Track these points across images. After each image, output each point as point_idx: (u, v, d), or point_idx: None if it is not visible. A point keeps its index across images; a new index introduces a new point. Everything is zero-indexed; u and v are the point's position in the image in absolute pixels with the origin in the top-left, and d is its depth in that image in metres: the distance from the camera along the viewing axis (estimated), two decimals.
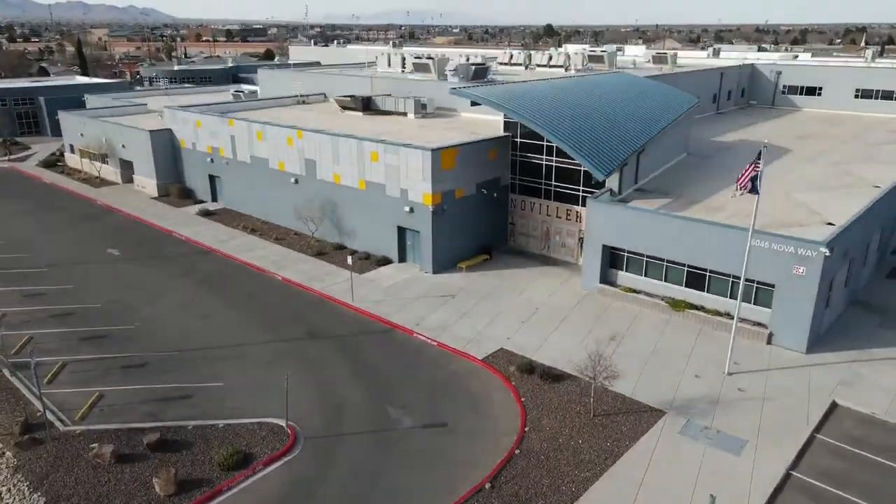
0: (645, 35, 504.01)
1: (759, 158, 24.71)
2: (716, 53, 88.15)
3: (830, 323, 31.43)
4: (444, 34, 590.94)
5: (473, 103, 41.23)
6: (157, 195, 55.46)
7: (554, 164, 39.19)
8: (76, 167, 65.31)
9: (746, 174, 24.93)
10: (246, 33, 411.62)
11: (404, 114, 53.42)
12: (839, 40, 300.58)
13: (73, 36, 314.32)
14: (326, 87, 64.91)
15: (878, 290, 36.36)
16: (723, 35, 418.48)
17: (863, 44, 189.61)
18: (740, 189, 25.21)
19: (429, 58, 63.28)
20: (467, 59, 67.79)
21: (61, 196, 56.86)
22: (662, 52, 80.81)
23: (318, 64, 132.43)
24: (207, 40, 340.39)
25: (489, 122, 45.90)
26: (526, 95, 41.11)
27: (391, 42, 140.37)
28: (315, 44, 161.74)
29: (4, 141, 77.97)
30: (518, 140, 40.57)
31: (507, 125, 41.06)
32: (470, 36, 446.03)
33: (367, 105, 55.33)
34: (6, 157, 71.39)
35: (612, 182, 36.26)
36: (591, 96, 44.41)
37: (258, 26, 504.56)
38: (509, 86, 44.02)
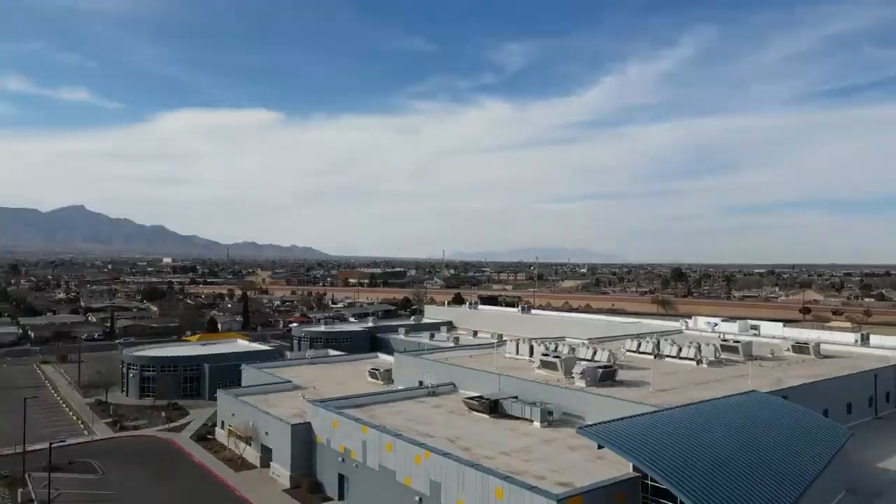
0: (781, 280, 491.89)
1: None
2: (864, 340, 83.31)
3: None
4: (572, 275, 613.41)
5: (599, 446, 40.64)
6: (289, 486, 57.54)
7: None
8: (223, 443, 70.26)
9: None
10: (388, 276, 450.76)
11: (530, 420, 53.74)
12: None
13: (242, 281, 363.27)
14: (456, 377, 67.79)
15: None
16: (869, 283, 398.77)
17: None
18: None
19: (555, 356, 64.98)
20: (593, 354, 68.77)
21: (207, 482, 60.53)
22: (803, 342, 77.68)
23: (450, 324, 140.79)
24: (354, 284, 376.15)
25: None
26: (655, 431, 40.22)
27: (520, 306, 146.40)
28: (448, 305, 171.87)
29: (168, 405, 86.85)
30: (649, 482, 38.84)
31: None
32: (598, 281, 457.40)
33: (493, 408, 56.54)
34: (166, 425, 78.69)
35: None
36: (729, 431, 42.51)
37: (399, 269, 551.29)
38: (638, 420, 43.41)
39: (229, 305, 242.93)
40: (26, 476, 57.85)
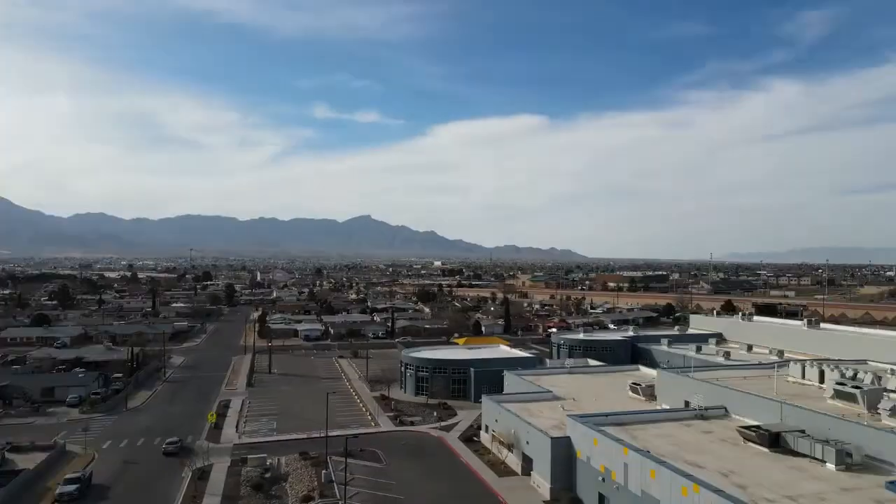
0: None
1: None
2: None
3: None
4: (874, 280, 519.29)
5: None
6: (548, 497, 58.21)
7: None
8: (487, 447, 73.87)
9: None
10: (649, 279, 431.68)
11: (822, 461, 46.65)
12: None
13: (503, 284, 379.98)
14: (728, 400, 62.00)
15: None
16: None
17: None
18: None
19: (855, 386, 55.48)
20: None
21: (473, 484, 64.29)
22: None
23: (719, 336, 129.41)
24: (613, 288, 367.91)
25: None
26: None
27: (805, 319, 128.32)
28: (717, 314, 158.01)
29: (439, 404, 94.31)
30: None
31: None
32: None
33: (774, 442, 50.35)
34: (438, 423, 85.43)
35: None
36: None
37: (661, 272, 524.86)
38: None
39: (492, 308, 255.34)
40: (328, 459, 67.51)
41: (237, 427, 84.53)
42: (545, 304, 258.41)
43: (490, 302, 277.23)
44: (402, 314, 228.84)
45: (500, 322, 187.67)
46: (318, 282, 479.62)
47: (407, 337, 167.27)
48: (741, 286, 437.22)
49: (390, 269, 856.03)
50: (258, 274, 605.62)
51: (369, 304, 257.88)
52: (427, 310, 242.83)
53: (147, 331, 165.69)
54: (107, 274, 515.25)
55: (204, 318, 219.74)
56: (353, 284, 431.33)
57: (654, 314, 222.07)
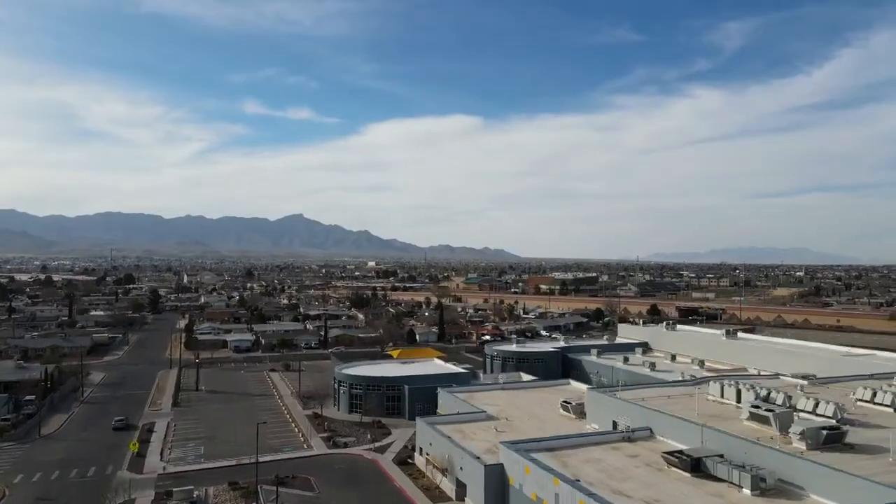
0: None
1: None
2: None
3: None
4: (786, 280, 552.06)
5: None
6: None
7: None
8: (421, 470, 73.93)
9: None
10: (579, 282, 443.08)
11: (739, 487, 49.12)
12: None
13: (437, 286, 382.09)
14: (653, 422, 64.39)
15: None
16: None
17: None
18: None
19: (768, 409, 58.67)
20: (815, 406, 61.01)
21: None
22: None
23: (645, 346, 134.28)
24: (545, 291, 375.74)
25: None
26: None
27: (724, 329, 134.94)
28: (643, 323, 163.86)
29: (373, 422, 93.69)
30: None
31: None
32: (818, 289, 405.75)
33: (696, 467, 52.64)
34: (372, 445, 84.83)
35: None
36: None
37: (591, 274, 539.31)
38: None
39: (426, 314, 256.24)
40: (259, 488, 65.89)
41: (162, 454, 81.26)
42: (479, 309, 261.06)
43: (424, 307, 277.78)
44: (335, 321, 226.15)
45: (434, 330, 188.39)
46: (248, 284, 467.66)
47: (340, 347, 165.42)
48: (665, 288, 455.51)
49: (323, 271, 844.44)
50: (185, 276, 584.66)
51: (301, 310, 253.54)
52: (361, 316, 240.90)
53: (63, 344, 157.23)
54: (17, 276, 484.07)
55: (126, 327, 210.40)
56: (286, 288, 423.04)
57: (585, 319, 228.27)
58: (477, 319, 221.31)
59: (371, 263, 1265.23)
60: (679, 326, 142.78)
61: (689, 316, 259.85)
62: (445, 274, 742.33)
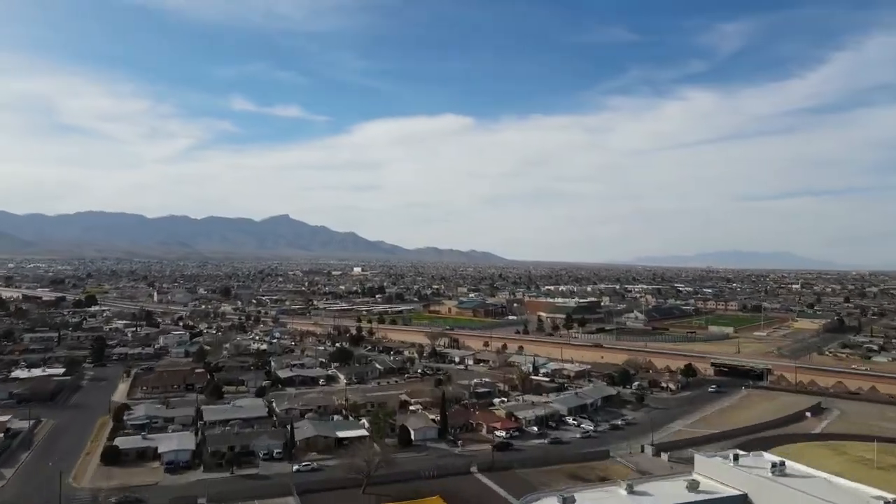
0: None
1: None
2: None
3: None
4: (790, 298, 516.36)
5: None
6: None
7: None
8: None
9: None
10: (583, 311, 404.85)
11: None
12: None
13: (428, 310, 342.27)
14: None
15: None
16: None
17: None
18: None
19: None
20: None
21: None
22: None
23: (744, 500, 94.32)
24: (549, 325, 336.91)
25: None
26: None
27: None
28: (734, 458, 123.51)
29: None
30: None
31: None
32: (841, 322, 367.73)
33: None
34: None
35: None
36: None
37: (592, 299, 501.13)
38: None
39: (419, 370, 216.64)
40: None
41: None
42: (484, 379, 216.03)
43: (418, 359, 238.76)
44: (310, 386, 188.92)
45: (433, 418, 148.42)
46: (221, 309, 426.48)
47: (310, 463, 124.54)
48: (672, 314, 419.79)
49: (307, 281, 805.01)
50: (155, 295, 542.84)
51: (273, 366, 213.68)
52: (342, 378, 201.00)
53: None
54: None
55: (48, 401, 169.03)
56: (261, 317, 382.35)
57: (611, 387, 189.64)
58: (483, 391, 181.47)
59: (357, 269, 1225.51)
60: (789, 464, 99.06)
61: (726, 375, 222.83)
62: (436, 287, 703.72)
